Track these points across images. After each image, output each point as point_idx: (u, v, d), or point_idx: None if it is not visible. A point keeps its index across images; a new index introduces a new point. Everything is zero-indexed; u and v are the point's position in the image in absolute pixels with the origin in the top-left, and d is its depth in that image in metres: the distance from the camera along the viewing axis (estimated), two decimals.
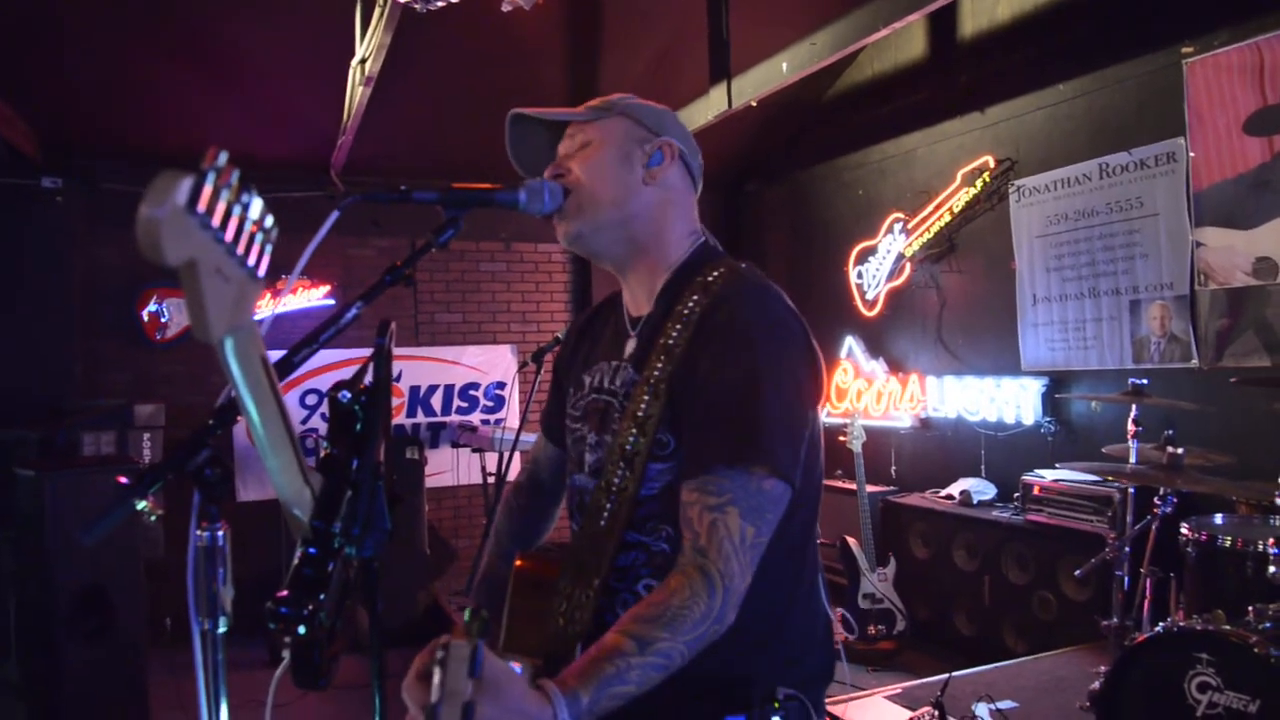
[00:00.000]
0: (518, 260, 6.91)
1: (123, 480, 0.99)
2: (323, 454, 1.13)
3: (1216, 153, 4.04)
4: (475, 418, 6.63)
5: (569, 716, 1.04)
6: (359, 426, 1.14)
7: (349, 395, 1.12)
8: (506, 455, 4.53)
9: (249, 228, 0.75)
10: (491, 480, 5.79)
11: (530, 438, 4.60)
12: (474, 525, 6.64)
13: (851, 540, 5.02)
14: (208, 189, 0.69)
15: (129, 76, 5.03)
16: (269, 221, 0.79)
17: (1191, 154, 4.13)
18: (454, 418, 6.59)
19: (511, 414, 6.69)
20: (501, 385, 6.75)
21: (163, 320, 5.86)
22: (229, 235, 0.72)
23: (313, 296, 6.12)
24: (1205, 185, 4.09)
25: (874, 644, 4.83)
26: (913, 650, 4.89)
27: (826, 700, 3.22)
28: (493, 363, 6.74)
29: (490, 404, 6.71)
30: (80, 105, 5.25)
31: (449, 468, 6.47)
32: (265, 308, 6.04)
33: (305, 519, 1.10)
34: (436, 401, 6.56)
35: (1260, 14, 3.81)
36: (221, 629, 1.14)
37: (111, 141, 5.61)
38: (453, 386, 6.61)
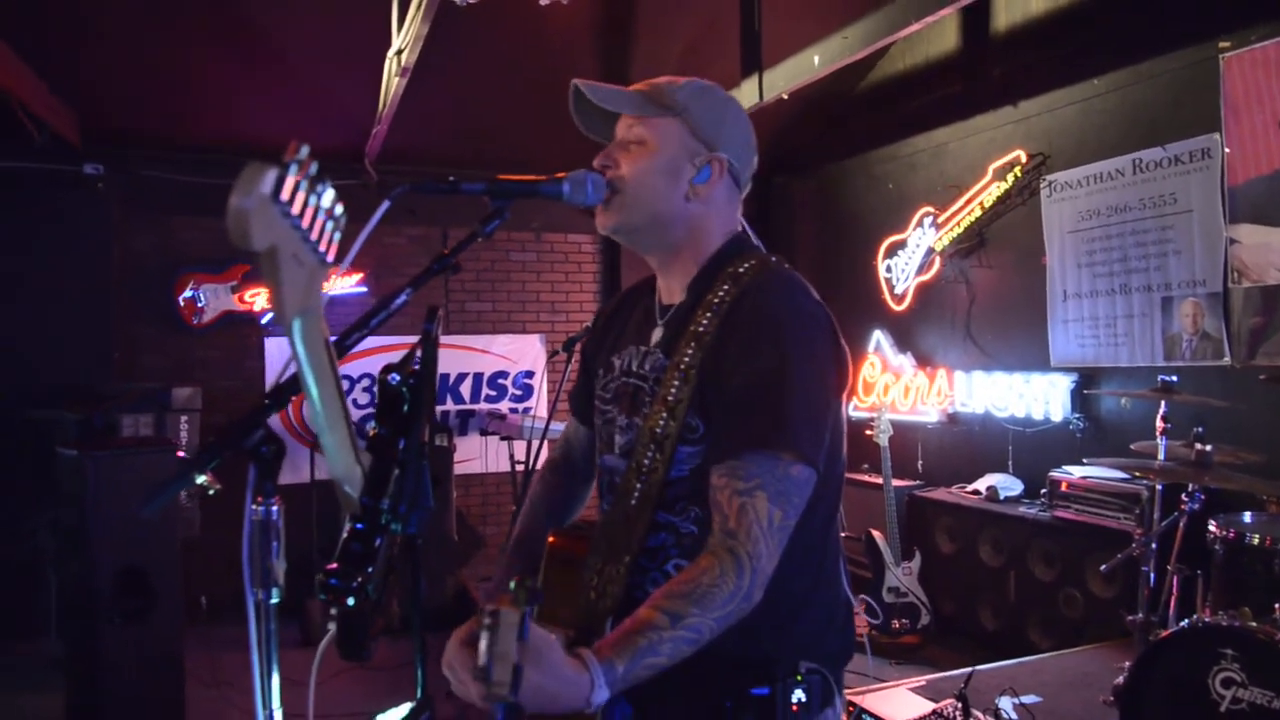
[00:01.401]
0: (548, 250, 6.96)
1: (182, 455, 1.04)
2: (371, 433, 1.18)
3: (1252, 148, 4.00)
4: (504, 406, 6.69)
5: (605, 682, 1.09)
6: (405, 407, 1.19)
7: (398, 377, 1.17)
8: (536, 444, 4.59)
9: (321, 216, 0.80)
10: (520, 468, 5.85)
11: (559, 426, 4.66)
12: (502, 513, 6.71)
13: (877, 534, 5.03)
14: (290, 180, 0.73)
15: (169, 65, 5.12)
16: (338, 210, 0.83)
17: (1227, 150, 4.09)
18: (483, 406, 6.66)
19: (540, 403, 6.75)
20: (530, 374, 6.81)
21: (199, 305, 5.96)
22: (305, 223, 0.77)
23: (345, 284, 6.20)
24: (1240, 181, 4.05)
25: (897, 638, 4.84)
26: (936, 645, 4.90)
27: (851, 691, 3.25)
28: (522, 352, 6.80)
29: (519, 393, 6.77)
30: (121, 93, 5.34)
31: (477, 455, 6.55)
32: None
33: (355, 496, 1.15)
34: (465, 389, 6.63)
35: None
36: (274, 600, 1.18)
37: (151, 129, 5.71)
38: (482, 375, 6.69)
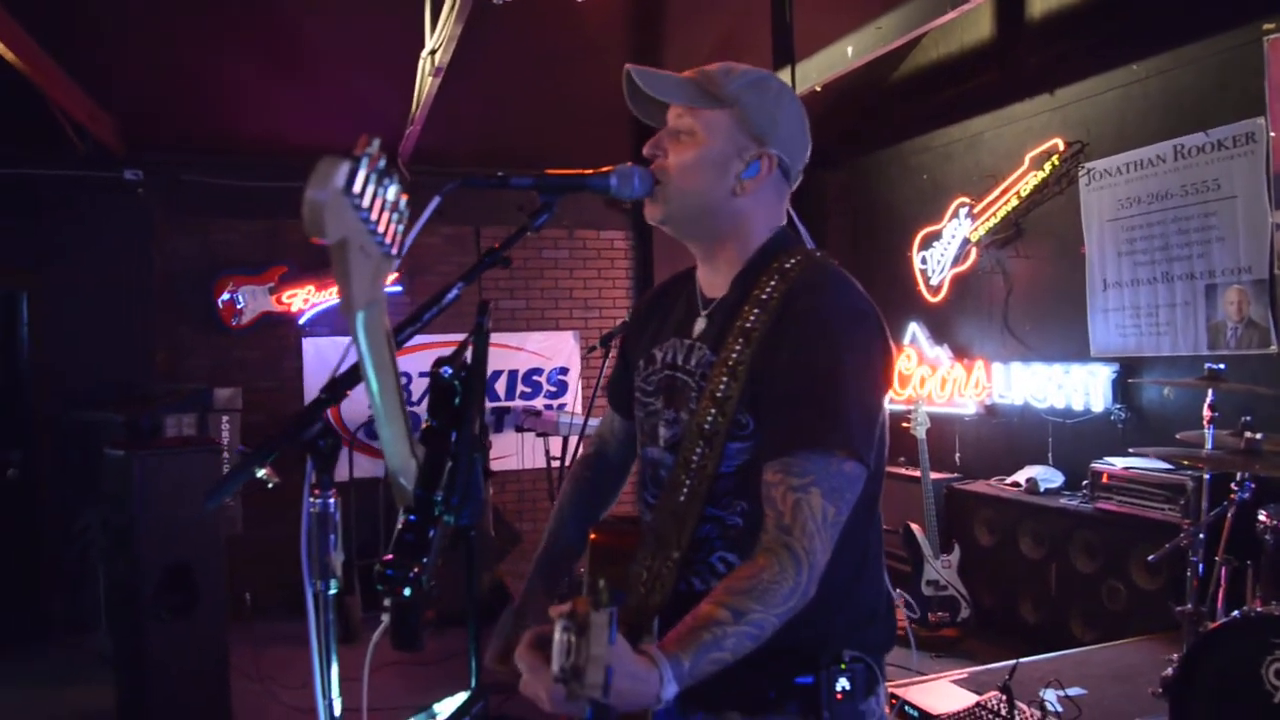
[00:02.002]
0: (580, 247, 6.98)
1: (242, 449, 1.06)
2: (424, 426, 1.20)
3: None
4: (538, 403, 6.72)
5: (673, 677, 1.09)
6: (457, 400, 1.20)
7: (450, 371, 1.18)
8: (574, 440, 4.61)
9: (387, 210, 0.81)
10: (556, 464, 5.88)
11: (596, 422, 4.68)
12: (538, 509, 6.75)
13: (915, 526, 5.00)
14: (361, 173, 0.75)
15: (204, 71, 5.20)
16: (403, 204, 0.85)
17: (1272, 134, 4.01)
18: (517, 403, 6.69)
19: (575, 399, 6.77)
20: (564, 371, 6.83)
21: (238, 307, 6.05)
22: (373, 216, 0.78)
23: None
24: None
25: (937, 631, 4.81)
26: (976, 638, 4.86)
27: (892, 683, 3.23)
28: (555, 348, 6.83)
29: (553, 389, 6.80)
30: (159, 99, 5.44)
31: (513, 452, 6.58)
32: (335, 296, 6.21)
33: (410, 488, 1.17)
34: (500, 386, 6.67)
35: None
36: (332, 591, 1.20)
37: (188, 134, 5.81)
38: (516, 372, 6.72)
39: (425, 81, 4.51)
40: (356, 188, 0.76)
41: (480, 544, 6.03)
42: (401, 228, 0.86)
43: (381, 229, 0.81)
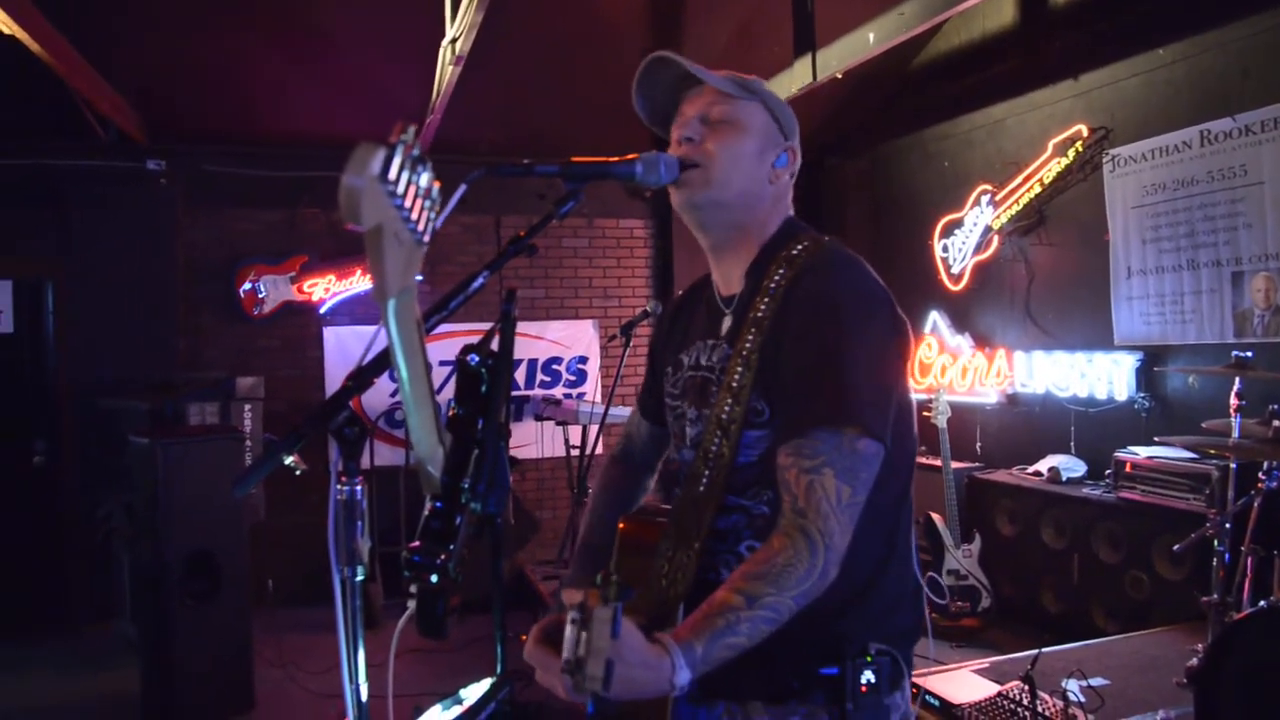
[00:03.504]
0: (600, 236, 6.97)
1: (269, 437, 1.06)
2: (450, 413, 1.20)
3: None
4: (558, 391, 6.74)
5: (685, 664, 1.10)
6: (484, 388, 1.20)
7: (477, 358, 1.19)
8: (595, 429, 4.60)
9: (420, 196, 0.81)
10: (575, 453, 5.89)
11: (617, 410, 4.68)
12: (557, 497, 6.76)
13: (936, 516, 4.99)
14: (396, 160, 0.75)
15: (226, 61, 5.23)
16: (435, 191, 0.85)
17: None
18: (537, 391, 6.71)
19: (594, 387, 6.78)
20: (584, 360, 6.84)
21: (259, 296, 6.09)
22: (406, 203, 0.78)
23: None
24: None
25: (958, 620, 4.80)
26: (997, 628, 4.85)
27: (913, 673, 3.23)
28: (575, 337, 6.84)
29: (573, 378, 6.81)
30: (181, 90, 5.47)
31: (533, 440, 6.60)
32: (358, 284, 6.24)
33: (437, 475, 1.17)
34: (520, 375, 6.69)
35: None
36: (359, 577, 1.20)
37: (210, 124, 5.84)
38: (536, 361, 6.74)
39: (446, 70, 4.51)
40: (392, 174, 0.76)
41: (503, 532, 6.08)
42: (434, 215, 0.86)
43: (414, 216, 0.81)
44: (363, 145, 0.75)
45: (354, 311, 6.29)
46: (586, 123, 5.72)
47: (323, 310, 6.21)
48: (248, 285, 6.08)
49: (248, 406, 5.41)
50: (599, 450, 5.18)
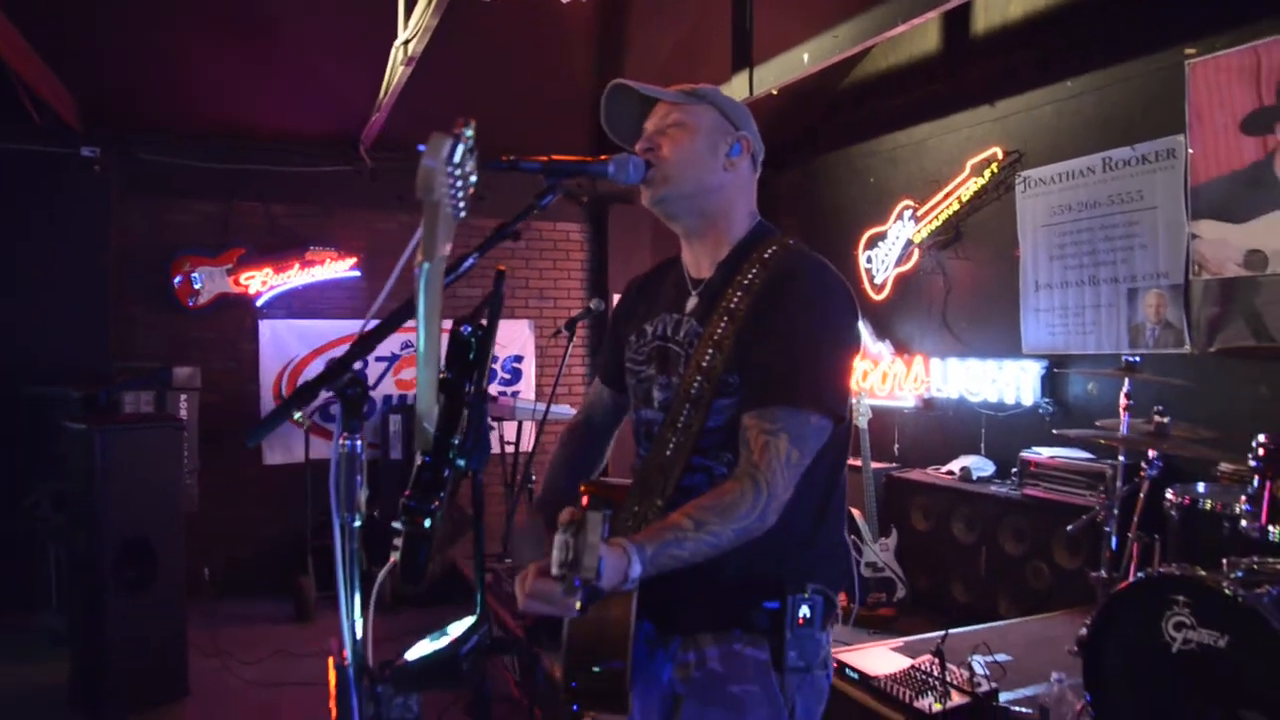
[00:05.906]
0: (536, 239, 7.11)
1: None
2: (440, 376, 1.35)
3: (1214, 150, 4.25)
4: (492, 388, 6.84)
5: (638, 560, 1.32)
6: (472, 355, 1.37)
7: (469, 328, 1.35)
8: (533, 426, 4.72)
9: (463, 180, 0.98)
10: (510, 449, 6.00)
11: (560, 409, 4.81)
12: (490, 493, 6.83)
13: (856, 512, 5.25)
14: (460, 149, 0.92)
15: (167, 50, 5.20)
16: (473, 177, 1.02)
17: (1190, 150, 4.34)
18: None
19: (529, 386, 6.90)
20: (519, 359, 6.97)
21: (195, 287, 6.05)
22: (458, 184, 0.95)
23: (339, 268, 6.32)
24: (1202, 180, 4.30)
25: (875, 610, 5.07)
26: (911, 617, 5.12)
27: (833, 651, 3.44)
28: (510, 336, 6.96)
29: (508, 376, 6.93)
30: (120, 76, 5.41)
31: None
32: (295, 277, 6.26)
33: (431, 430, 1.32)
34: None
35: (1259, 19, 4.02)
36: (357, 524, 1.34)
37: (149, 113, 5.78)
38: None
39: (396, 71, 4.61)
40: (456, 159, 0.93)
41: (482, 489, 6.12)
42: (468, 197, 1.03)
43: (460, 196, 0.98)
44: (436, 134, 0.93)
45: (291, 305, 6.29)
46: (529, 124, 5.87)
47: (259, 303, 6.20)
48: (183, 276, 6.04)
49: (184, 397, 5.40)
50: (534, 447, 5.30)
